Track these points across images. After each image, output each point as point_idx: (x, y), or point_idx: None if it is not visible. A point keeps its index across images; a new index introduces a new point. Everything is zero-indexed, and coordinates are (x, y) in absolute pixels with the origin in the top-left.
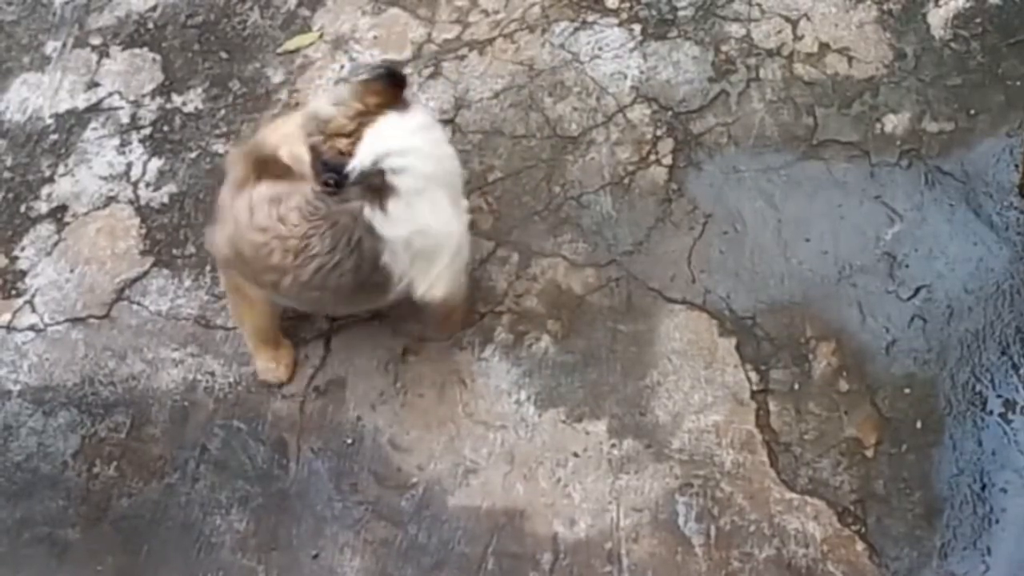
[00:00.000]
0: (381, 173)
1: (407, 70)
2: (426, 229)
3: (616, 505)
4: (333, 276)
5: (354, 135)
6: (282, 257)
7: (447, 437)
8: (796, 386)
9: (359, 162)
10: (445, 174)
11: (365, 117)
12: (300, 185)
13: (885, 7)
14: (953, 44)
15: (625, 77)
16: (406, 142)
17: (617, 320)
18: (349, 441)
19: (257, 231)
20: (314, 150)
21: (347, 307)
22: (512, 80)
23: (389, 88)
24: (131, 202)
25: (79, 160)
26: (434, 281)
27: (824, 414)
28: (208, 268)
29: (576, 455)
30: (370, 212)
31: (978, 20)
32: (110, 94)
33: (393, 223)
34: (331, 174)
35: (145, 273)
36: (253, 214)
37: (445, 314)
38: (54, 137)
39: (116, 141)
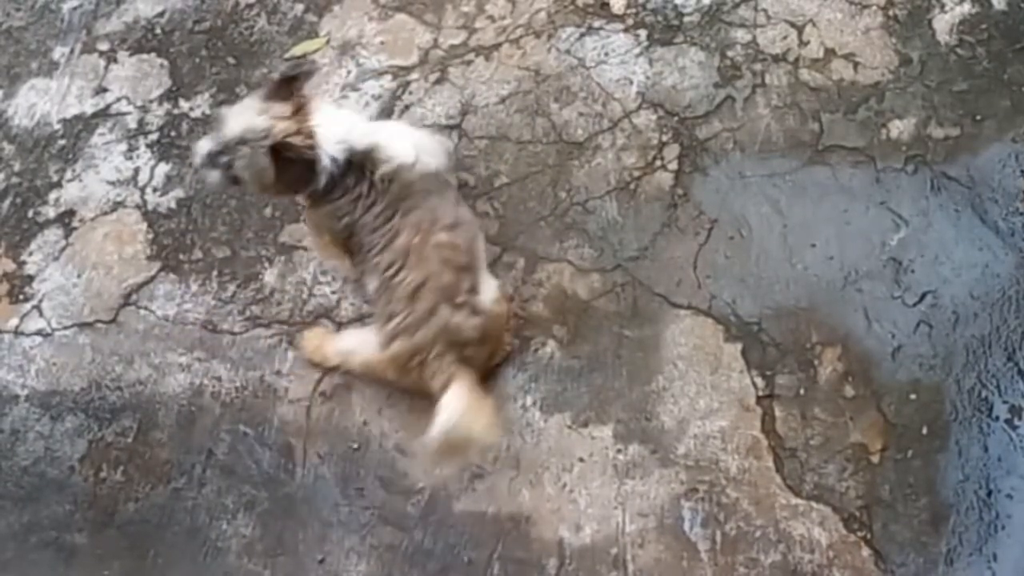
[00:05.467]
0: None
1: (413, 74)
2: None
3: (622, 510)
4: None
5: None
6: None
7: None
8: (802, 392)
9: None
10: None
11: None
12: None
13: (891, 13)
14: (959, 50)
15: (631, 83)
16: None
17: (623, 325)
18: (355, 446)
19: None
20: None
21: None
22: (518, 85)
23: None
24: (138, 207)
25: (87, 165)
26: None
27: (830, 420)
28: (215, 273)
29: (582, 460)
30: None
31: (984, 26)
32: (118, 99)
33: None
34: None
35: (152, 278)
36: None
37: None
38: (62, 142)
39: (123, 146)
